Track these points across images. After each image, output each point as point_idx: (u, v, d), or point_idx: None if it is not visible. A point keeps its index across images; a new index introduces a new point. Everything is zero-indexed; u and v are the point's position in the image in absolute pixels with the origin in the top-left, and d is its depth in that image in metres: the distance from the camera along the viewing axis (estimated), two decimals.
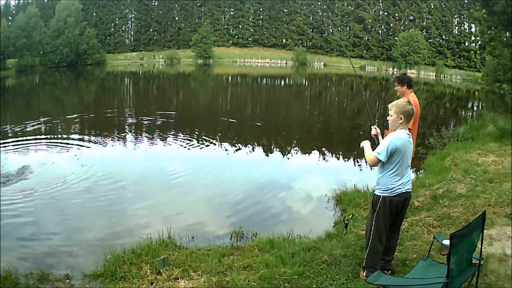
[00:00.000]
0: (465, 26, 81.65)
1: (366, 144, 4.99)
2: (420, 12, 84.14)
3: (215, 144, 14.99)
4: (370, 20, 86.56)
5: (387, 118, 4.88)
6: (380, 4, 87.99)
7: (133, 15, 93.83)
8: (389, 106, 4.79)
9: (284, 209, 8.93)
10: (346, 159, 14.00)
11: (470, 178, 9.14)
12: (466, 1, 78.44)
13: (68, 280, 5.52)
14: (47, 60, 60.08)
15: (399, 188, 4.74)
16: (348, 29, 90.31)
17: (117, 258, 5.75)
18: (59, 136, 15.82)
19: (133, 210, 8.60)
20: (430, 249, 4.72)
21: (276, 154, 14.43)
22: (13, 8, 74.78)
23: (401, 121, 4.69)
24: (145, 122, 19.43)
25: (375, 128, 5.41)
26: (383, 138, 5.38)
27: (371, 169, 5.04)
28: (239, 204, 9.09)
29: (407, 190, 4.83)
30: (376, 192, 4.89)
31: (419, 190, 8.51)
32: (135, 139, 15.97)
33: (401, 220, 5.17)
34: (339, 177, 10.95)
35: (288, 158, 13.92)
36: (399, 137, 4.65)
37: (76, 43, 63.18)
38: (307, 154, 14.53)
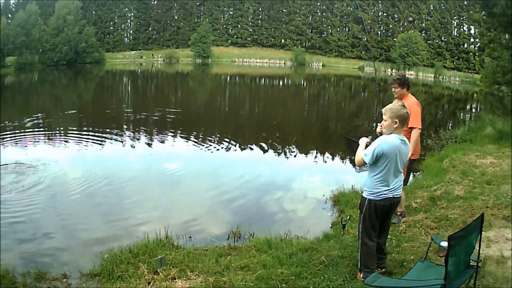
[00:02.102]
0: (464, 28, 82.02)
1: (362, 143, 4.94)
2: (419, 13, 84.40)
3: (212, 144, 14.93)
4: (369, 21, 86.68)
5: (381, 124, 4.83)
6: (380, 5, 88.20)
7: (132, 14, 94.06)
8: (383, 110, 4.69)
9: (281, 209, 8.91)
10: (344, 160, 13.97)
11: (468, 180, 9.13)
12: (465, 3, 79.10)
13: (65, 279, 5.49)
14: (46, 58, 60.16)
15: (384, 194, 4.68)
16: (347, 29, 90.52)
17: (114, 258, 5.74)
18: (57, 133, 15.80)
19: (130, 209, 8.57)
20: (427, 251, 4.72)
21: (274, 154, 14.38)
22: (13, 5, 74.82)
23: (396, 125, 4.59)
24: (143, 121, 19.43)
25: (381, 126, 5.36)
26: None
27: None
28: (236, 204, 9.07)
29: (395, 196, 4.75)
30: (363, 194, 4.87)
31: (417, 192, 8.50)
32: (133, 138, 15.92)
33: (389, 222, 5.16)
34: (336, 177, 10.96)
35: (286, 158, 13.89)
36: (388, 141, 4.56)
37: (75, 42, 63.32)
38: (305, 155, 14.52)
